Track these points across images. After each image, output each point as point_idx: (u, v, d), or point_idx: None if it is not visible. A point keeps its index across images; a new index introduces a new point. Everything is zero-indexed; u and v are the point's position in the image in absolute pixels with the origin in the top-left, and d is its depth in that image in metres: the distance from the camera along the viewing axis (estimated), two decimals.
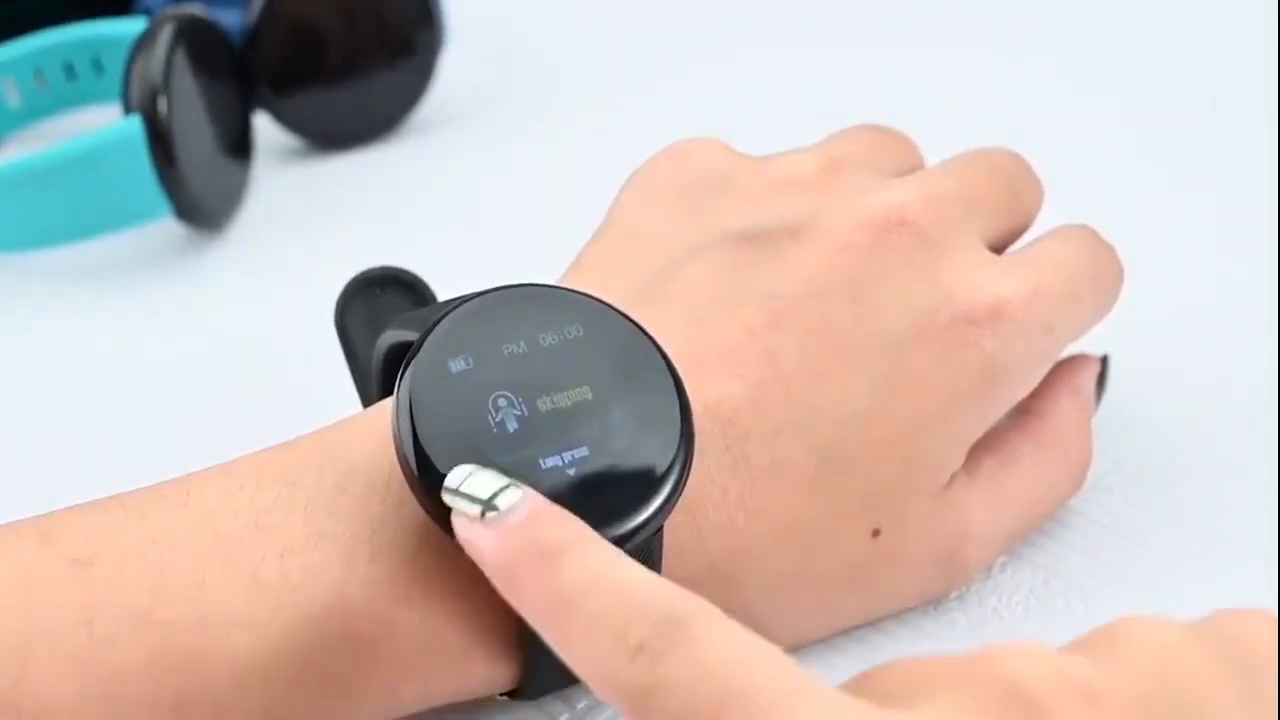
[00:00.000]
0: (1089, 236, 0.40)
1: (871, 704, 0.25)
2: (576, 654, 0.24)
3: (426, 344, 0.33)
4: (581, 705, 0.36)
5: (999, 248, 0.39)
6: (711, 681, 0.24)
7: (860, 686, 0.26)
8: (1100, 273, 0.39)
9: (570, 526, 0.25)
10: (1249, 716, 0.25)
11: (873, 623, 0.37)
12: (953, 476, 0.37)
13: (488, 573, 0.26)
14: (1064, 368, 0.40)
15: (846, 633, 0.37)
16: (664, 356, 0.34)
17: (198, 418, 0.46)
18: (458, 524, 0.26)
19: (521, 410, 0.32)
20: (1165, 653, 0.26)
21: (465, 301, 0.34)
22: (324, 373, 0.42)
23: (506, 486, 0.26)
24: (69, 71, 0.57)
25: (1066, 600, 0.38)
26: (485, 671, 0.33)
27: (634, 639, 0.24)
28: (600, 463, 0.32)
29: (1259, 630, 0.27)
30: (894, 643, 0.37)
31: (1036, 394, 0.39)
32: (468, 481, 0.27)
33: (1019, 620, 0.38)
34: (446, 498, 0.28)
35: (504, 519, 0.26)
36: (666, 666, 0.24)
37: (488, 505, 0.26)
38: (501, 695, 0.35)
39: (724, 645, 0.24)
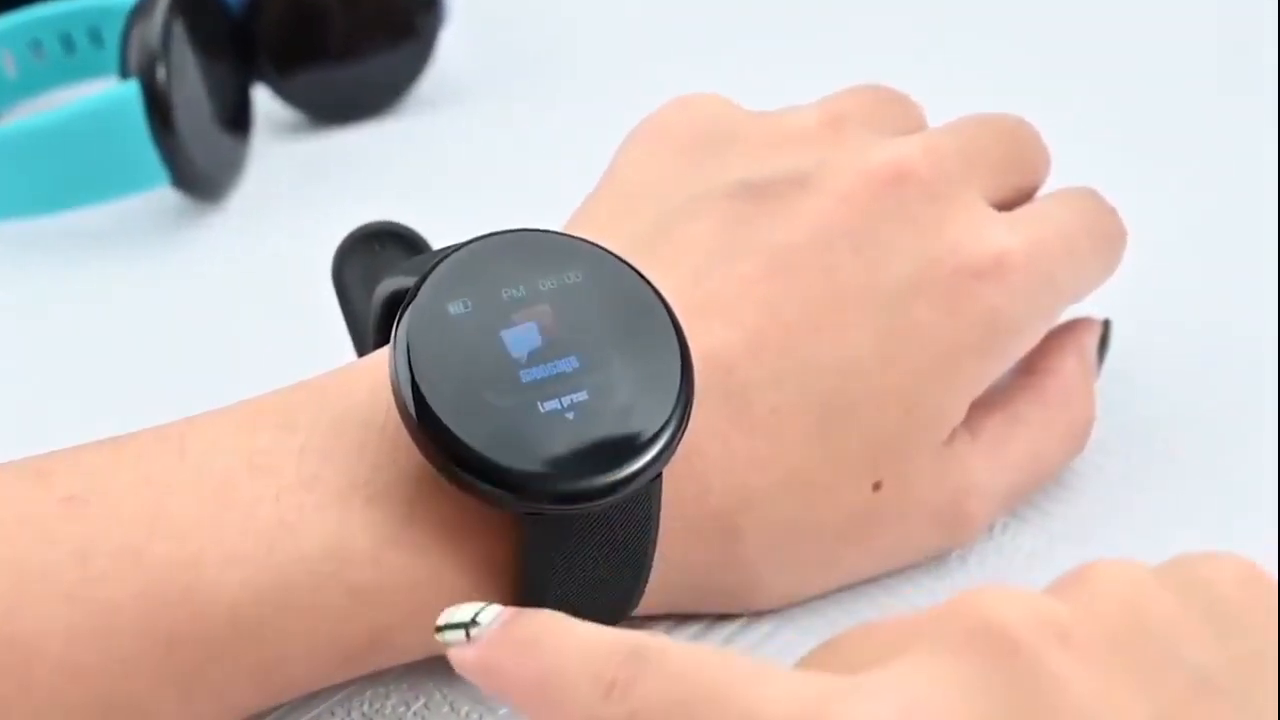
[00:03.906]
0: (1091, 197, 0.40)
1: (837, 673, 0.25)
2: (563, 715, 0.26)
3: (424, 287, 0.33)
4: None
5: (1003, 208, 0.39)
6: (678, 692, 0.25)
7: (829, 653, 0.27)
8: (1103, 231, 0.39)
9: (540, 618, 0.27)
10: (1217, 654, 0.26)
11: (876, 579, 0.37)
12: (955, 432, 0.37)
13: (472, 677, 0.27)
14: (1067, 329, 0.40)
15: (850, 589, 0.37)
16: (663, 303, 0.33)
17: (192, 386, 0.46)
18: (451, 655, 0.28)
19: (520, 354, 0.32)
20: (1135, 592, 0.26)
21: (464, 246, 0.33)
22: (320, 342, 0.41)
23: (482, 609, 0.28)
24: (67, 44, 0.56)
25: (1068, 561, 0.37)
26: None
27: (605, 680, 0.26)
28: (599, 408, 0.32)
29: (1224, 571, 0.27)
30: (897, 600, 0.37)
31: (1040, 354, 0.39)
32: (448, 614, 0.28)
33: (1020, 581, 0.37)
34: (437, 636, 0.28)
35: (485, 630, 0.27)
36: (636, 693, 0.25)
37: (470, 624, 0.28)
38: None
39: (682, 660, 0.26)
